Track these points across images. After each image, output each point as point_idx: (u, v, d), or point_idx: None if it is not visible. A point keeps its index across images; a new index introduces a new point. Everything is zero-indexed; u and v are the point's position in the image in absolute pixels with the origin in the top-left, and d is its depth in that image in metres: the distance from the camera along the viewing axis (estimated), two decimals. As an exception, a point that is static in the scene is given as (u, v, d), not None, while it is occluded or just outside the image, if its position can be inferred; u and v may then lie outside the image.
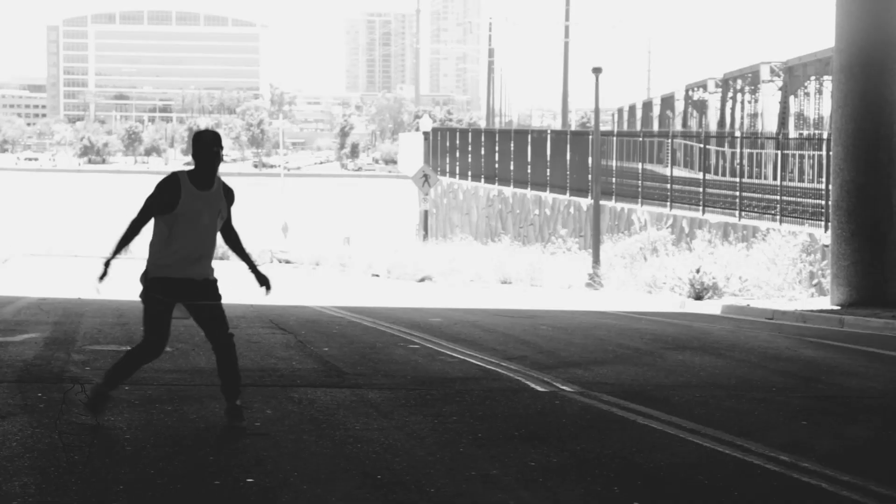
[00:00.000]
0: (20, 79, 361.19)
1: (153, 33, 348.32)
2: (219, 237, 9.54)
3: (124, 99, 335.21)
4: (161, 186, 9.22)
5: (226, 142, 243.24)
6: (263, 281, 9.76)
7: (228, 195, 9.49)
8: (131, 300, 21.08)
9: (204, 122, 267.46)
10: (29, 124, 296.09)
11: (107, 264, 9.41)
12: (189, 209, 9.14)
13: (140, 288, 9.40)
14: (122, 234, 9.33)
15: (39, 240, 69.47)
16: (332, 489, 7.59)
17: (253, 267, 9.75)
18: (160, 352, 9.37)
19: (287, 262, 55.57)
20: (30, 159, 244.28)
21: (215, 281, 9.51)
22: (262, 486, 7.58)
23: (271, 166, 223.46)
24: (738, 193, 32.54)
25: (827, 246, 24.65)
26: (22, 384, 11.09)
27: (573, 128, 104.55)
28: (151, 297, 9.32)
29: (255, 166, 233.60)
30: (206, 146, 9.24)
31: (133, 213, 9.46)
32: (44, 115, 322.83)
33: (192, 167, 9.35)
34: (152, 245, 9.29)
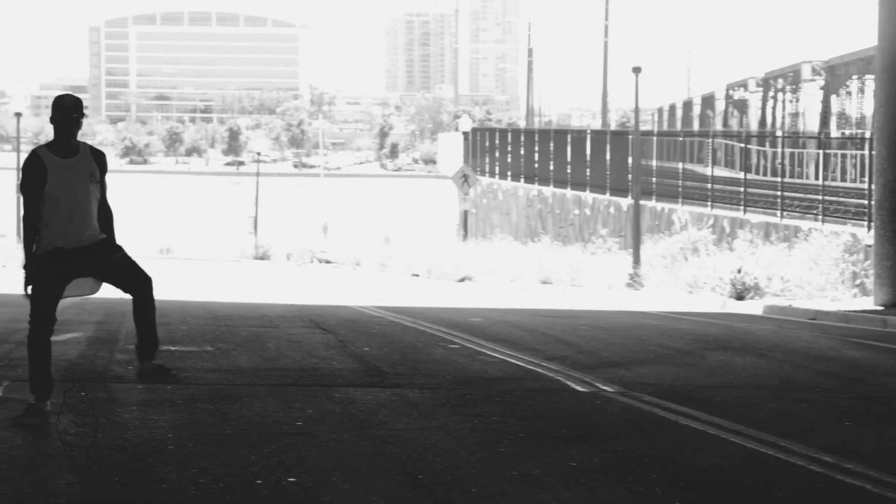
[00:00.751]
0: (62, 80, 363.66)
1: (194, 34, 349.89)
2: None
3: (165, 100, 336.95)
4: (25, 167, 8.95)
5: (266, 142, 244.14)
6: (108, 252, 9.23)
7: (99, 158, 9.20)
8: (172, 300, 21.20)
9: (244, 122, 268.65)
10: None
11: (28, 268, 9.04)
12: (61, 179, 8.91)
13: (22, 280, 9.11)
14: (24, 235, 9.08)
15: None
16: (373, 488, 7.59)
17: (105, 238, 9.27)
18: (49, 328, 9.01)
19: (327, 261, 55.74)
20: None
21: (106, 238, 9.19)
22: (304, 486, 7.60)
23: (311, 167, 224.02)
24: (779, 193, 32.36)
25: (870, 246, 24.47)
26: (65, 383, 11.16)
27: (613, 127, 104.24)
28: (40, 276, 8.95)
29: (295, 167, 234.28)
30: (67, 111, 8.98)
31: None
32: (86, 116, 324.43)
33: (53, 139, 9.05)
34: (39, 230, 9.02)
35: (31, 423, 8.91)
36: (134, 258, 9.36)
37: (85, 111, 9.29)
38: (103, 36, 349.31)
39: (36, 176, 8.91)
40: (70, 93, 9.29)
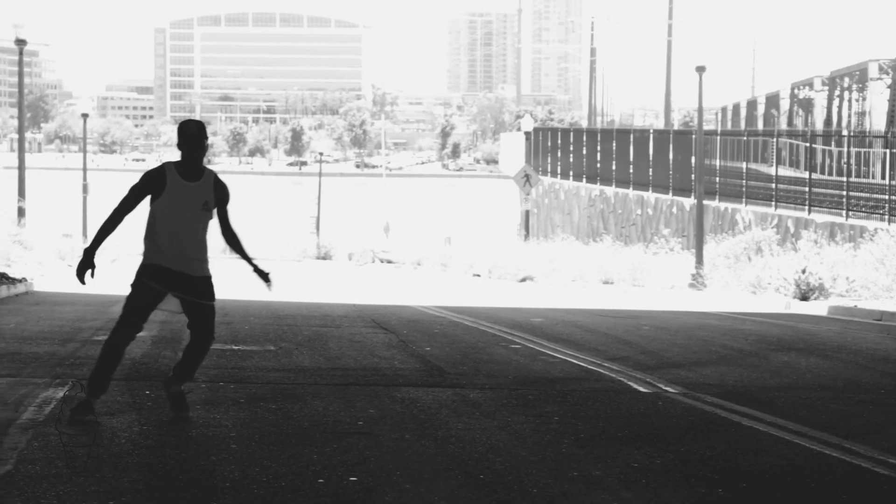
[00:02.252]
0: (128, 81, 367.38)
1: (257, 35, 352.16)
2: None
3: (229, 100, 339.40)
4: (147, 175, 9.19)
5: (328, 142, 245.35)
6: (264, 276, 9.73)
7: (219, 189, 9.37)
8: (235, 299, 21.35)
9: (307, 123, 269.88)
10: (136, 126, 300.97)
11: (88, 253, 9.22)
12: (173, 199, 9.11)
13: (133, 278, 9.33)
14: (103, 223, 9.26)
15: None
16: (434, 488, 7.60)
17: (252, 265, 9.65)
18: (132, 336, 9.30)
19: (389, 261, 55.88)
20: (137, 160, 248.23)
21: (209, 278, 9.45)
22: (366, 485, 7.62)
23: (373, 167, 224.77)
24: (845, 193, 32.04)
25: (937, 246, 24.18)
26: (130, 382, 11.28)
27: (676, 127, 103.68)
28: (142, 282, 9.25)
29: (358, 167, 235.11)
30: (192, 137, 9.17)
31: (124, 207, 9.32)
32: (151, 117, 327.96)
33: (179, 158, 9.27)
34: (145, 235, 9.27)
35: (84, 420, 9.06)
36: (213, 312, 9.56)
37: (191, 113, 9.45)
38: (168, 37, 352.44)
39: (150, 185, 9.14)
40: (193, 118, 9.51)
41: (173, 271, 9.22)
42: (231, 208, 9.56)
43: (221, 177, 9.49)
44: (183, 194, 9.13)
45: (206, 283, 9.39)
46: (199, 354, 9.55)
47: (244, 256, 9.67)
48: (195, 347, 9.53)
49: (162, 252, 9.19)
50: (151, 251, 9.22)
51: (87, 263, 9.19)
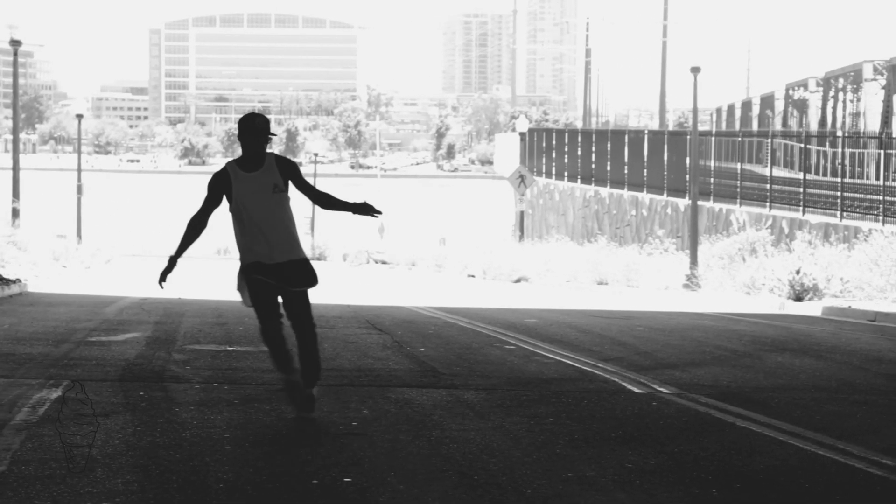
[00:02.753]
0: (123, 82, 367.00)
1: (252, 36, 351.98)
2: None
3: (224, 101, 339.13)
4: (212, 179, 9.34)
5: (323, 143, 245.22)
6: (365, 209, 9.53)
7: (283, 166, 9.39)
8: (230, 300, 21.33)
9: (302, 123, 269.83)
10: (131, 126, 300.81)
11: (171, 261, 9.46)
12: (244, 193, 9.22)
13: (236, 283, 9.55)
14: (184, 232, 9.42)
15: (141, 240, 70.59)
16: (428, 489, 7.61)
17: (351, 206, 9.53)
18: (278, 324, 9.46)
19: (383, 262, 55.85)
20: (132, 161, 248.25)
21: (306, 261, 9.53)
22: (360, 486, 7.62)
23: (368, 167, 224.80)
24: (839, 193, 32.08)
25: (931, 247, 24.20)
26: (124, 383, 11.27)
27: (671, 128, 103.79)
28: (250, 278, 9.39)
29: (352, 167, 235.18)
30: (260, 133, 9.22)
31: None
32: (145, 118, 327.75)
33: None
34: (235, 239, 9.42)
35: (295, 397, 9.47)
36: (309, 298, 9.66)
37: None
38: (163, 38, 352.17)
39: (218, 186, 9.30)
40: (259, 112, 9.53)
41: (268, 265, 9.33)
42: (303, 176, 9.55)
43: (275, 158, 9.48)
44: (250, 186, 9.22)
45: (301, 265, 9.44)
46: (309, 348, 9.57)
47: (345, 206, 9.54)
48: (300, 343, 9.59)
49: (252, 250, 9.35)
50: (243, 252, 9.41)
51: (169, 269, 9.48)
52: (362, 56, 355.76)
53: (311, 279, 9.51)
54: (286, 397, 9.68)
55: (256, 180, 9.23)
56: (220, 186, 9.28)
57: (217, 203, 9.34)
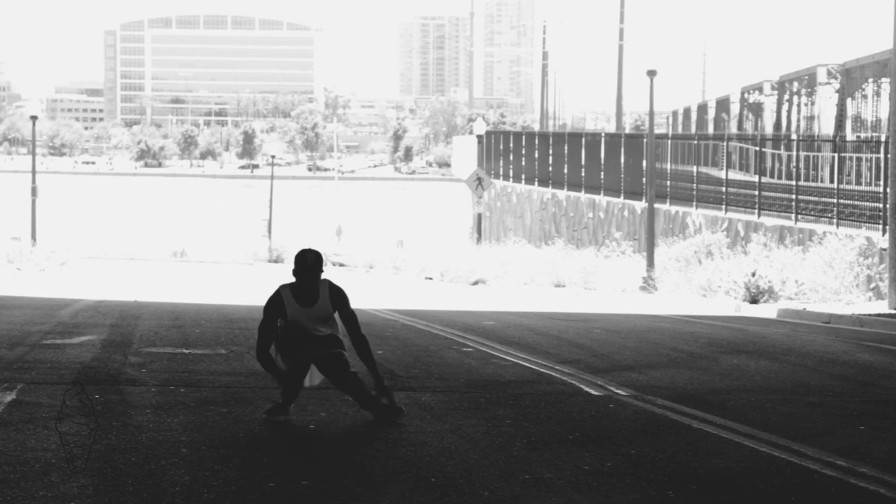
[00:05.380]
0: (78, 83, 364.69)
1: (209, 37, 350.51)
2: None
3: (180, 103, 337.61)
4: (267, 307, 9.74)
5: (280, 145, 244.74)
6: (386, 406, 9.91)
7: (335, 298, 9.80)
8: (185, 303, 21.22)
9: (259, 126, 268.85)
10: (86, 128, 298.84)
11: (261, 361, 9.87)
12: (295, 324, 9.67)
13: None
14: (258, 344, 9.79)
15: (97, 243, 70.15)
16: (385, 492, 7.60)
17: (376, 381, 9.91)
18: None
19: (341, 264, 55.75)
20: (87, 163, 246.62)
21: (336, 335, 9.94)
22: (317, 489, 7.61)
23: (325, 170, 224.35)
24: (794, 196, 32.29)
25: (885, 249, 24.41)
26: (79, 386, 11.18)
27: (627, 130, 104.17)
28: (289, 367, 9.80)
29: (310, 170, 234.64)
30: (310, 270, 9.66)
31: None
32: (101, 119, 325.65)
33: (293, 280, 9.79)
34: (276, 346, 9.83)
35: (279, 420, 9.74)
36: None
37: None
38: (119, 39, 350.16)
39: (274, 311, 9.74)
40: (312, 249, 9.89)
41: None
42: (351, 308, 10.04)
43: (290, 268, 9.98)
44: (303, 319, 9.68)
45: (332, 337, 9.88)
46: (368, 358, 9.94)
47: (371, 371, 9.94)
48: (359, 353, 9.96)
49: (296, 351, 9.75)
50: (284, 360, 9.78)
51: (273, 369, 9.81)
52: (319, 58, 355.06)
53: (340, 344, 9.94)
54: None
55: (311, 315, 9.71)
56: (275, 312, 9.74)
57: (276, 320, 9.78)
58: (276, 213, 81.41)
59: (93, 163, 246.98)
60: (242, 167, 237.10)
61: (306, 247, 9.98)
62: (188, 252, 68.18)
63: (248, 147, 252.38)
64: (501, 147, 68.71)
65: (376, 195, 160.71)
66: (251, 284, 35.11)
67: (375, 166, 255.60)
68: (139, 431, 9.09)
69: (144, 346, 14.52)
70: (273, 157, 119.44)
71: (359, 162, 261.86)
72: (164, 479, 7.70)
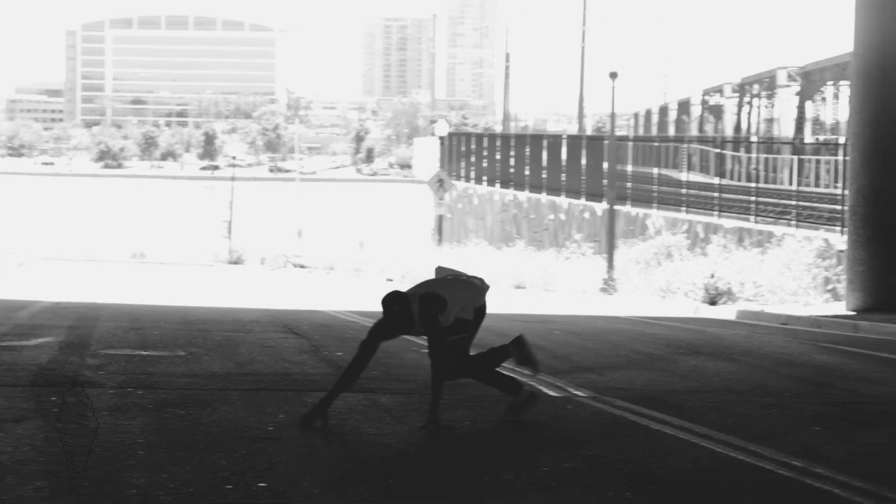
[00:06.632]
0: (38, 84, 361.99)
1: (170, 38, 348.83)
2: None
3: (141, 104, 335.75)
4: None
5: (241, 146, 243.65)
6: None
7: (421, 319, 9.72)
8: (144, 304, 21.13)
9: (220, 127, 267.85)
10: (46, 129, 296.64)
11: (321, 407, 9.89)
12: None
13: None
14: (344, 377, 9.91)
15: (55, 244, 69.72)
16: (344, 493, 7.59)
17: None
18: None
19: (301, 266, 55.68)
20: (47, 164, 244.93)
21: None
22: (275, 491, 7.59)
23: (287, 171, 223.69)
24: (753, 198, 32.49)
25: (842, 251, 24.60)
26: (36, 388, 11.12)
27: (589, 132, 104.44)
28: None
29: (271, 171, 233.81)
30: (386, 306, 9.62)
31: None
32: (61, 120, 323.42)
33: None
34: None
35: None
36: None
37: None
38: (80, 39, 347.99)
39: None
40: (394, 291, 9.81)
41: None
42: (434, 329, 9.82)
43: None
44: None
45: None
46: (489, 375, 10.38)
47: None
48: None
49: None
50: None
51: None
52: (281, 59, 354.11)
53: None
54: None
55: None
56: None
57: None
58: (236, 214, 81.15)
59: (52, 164, 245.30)
60: (203, 168, 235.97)
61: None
62: (148, 253, 67.93)
63: (209, 148, 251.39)
64: (463, 149, 68.77)
65: (338, 196, 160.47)
66: (211, 286, 34.98)
67: (337, 168, 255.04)
68: (96, 434, 9.03)
69: (102, 347, 14.44)
70: (234, 158, 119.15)
71: (320, 163, 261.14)
72: (120, 481, 7.66)
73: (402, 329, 9.71)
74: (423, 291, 9.75)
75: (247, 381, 11.91)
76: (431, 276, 10.40)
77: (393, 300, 9.58)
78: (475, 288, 10.12)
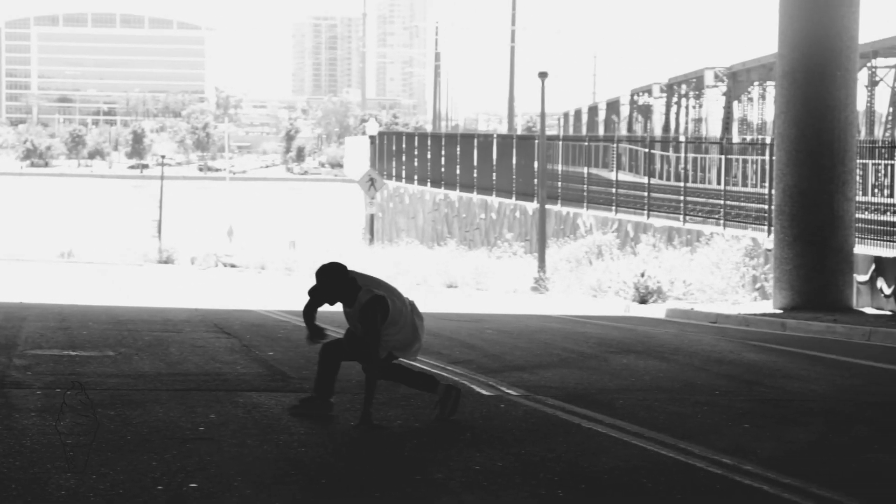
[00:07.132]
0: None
1: (97, 36, 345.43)
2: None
3: (68, 102, 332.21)
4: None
5: (170, 145, 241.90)
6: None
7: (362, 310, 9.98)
8: (72, 304, 20.90)
9: (149, 125, 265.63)
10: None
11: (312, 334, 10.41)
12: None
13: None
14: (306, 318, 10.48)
15: (-20, 244, 68.72)
16: (276, 493, 7.56)
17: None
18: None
19: (232, 265, 55.35)
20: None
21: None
22: (206, 492, 7.54)
23: (216, 170, 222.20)
24: (682, 198, 32.75)
25: (770, 250, 24.86)
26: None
27: (519, 132, 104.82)
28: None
29: (201, 170, 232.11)
30: (316, 281, 10.13)
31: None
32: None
33: None
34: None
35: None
36: None
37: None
38: (4, 37, 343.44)
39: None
40: (327, 263, 10.39)
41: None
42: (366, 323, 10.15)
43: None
44: (350, 319, 10.31)
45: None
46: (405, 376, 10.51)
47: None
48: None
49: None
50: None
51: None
52: (210, 58, 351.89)
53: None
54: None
55: (351, 315, 10.24)
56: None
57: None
58: (166, 213, 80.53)
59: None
60: (132, 167, 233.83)
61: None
62: (76, 253, 67.16)
63: (137, 147, 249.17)
64: (394, 148, 68.73)
65: (268, 196, 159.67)
66: (140, 285, 34.70)
67: (267, 167, 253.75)
68: (23, 435, 8.93)
69: (30, 348, 14.27)
70: (163, 157, 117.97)
71: (251, 162, 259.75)
72: (49, 483, 7.57)
73: (328, 297, 10.14)
74: (380, 293, 9.92)
75: (177, 382, 11.82)
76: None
77: (334, 271, 10.09)
78: (417, 336, 10.52)
